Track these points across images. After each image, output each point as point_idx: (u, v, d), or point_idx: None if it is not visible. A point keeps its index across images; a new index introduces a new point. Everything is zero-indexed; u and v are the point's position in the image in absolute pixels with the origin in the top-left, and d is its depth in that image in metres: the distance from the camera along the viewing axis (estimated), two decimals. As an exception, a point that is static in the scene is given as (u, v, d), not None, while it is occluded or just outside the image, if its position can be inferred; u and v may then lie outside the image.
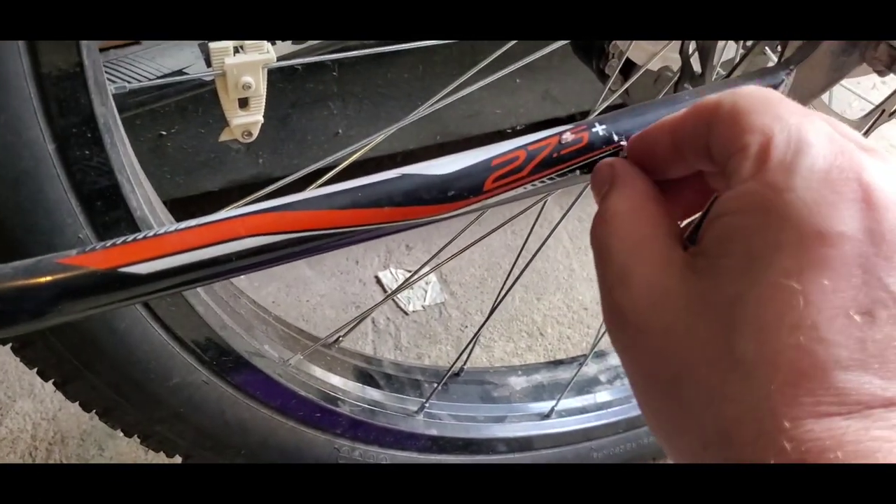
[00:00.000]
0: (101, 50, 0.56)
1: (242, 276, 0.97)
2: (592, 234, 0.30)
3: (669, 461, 0.27)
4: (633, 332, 0.26)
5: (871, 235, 0.23)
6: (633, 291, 0.27)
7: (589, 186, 0.34)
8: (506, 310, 1.11)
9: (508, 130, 1.14)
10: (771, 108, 0.26)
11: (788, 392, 0.22)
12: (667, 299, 0.26)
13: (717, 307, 0.24)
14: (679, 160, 0.29)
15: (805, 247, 0.23)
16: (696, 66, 0.48)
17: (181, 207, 1.01)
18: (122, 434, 0.61)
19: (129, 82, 0.52)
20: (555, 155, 0.37)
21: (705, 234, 0.26)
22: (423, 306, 1.12)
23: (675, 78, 0.50)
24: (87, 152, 0.42)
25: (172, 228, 0.36)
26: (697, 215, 0.32)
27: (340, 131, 1.00)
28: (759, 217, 0.24)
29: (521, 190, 0.38)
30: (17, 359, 0.53)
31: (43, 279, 0.34)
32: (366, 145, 0.59)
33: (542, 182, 0.37)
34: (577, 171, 0.36)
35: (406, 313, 1.11)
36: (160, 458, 0.79)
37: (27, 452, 0.92)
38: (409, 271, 1.14)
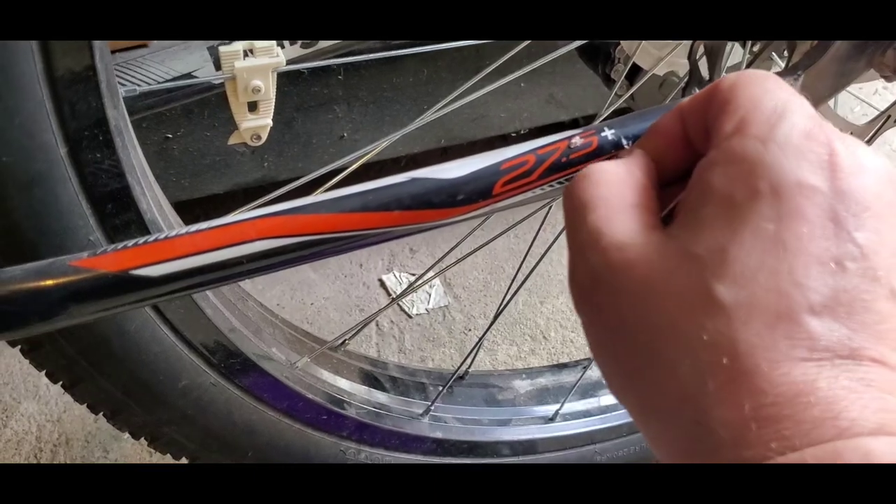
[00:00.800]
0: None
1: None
2: (571, 189, 0.29)
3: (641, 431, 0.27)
4: (609, 294, 0.26)
5: (839, 193, 0.24)
6: (609, 251, 0.26)
7: None
8: (509, 313, 1.11)
9: (513, 134, 1.14)
10: (764, 83, 0.27)
11: (766, 334, 0.23)
12: (643, 256, 0.26)
13: (697, 256, 0.24)
14: (686, 145, 0.30)
15: (784, 195, 0.24)
16: (704, 71, 0.48)
17: (187, 210, 1.02)
18: (127, 436, 0.61)
19: (138, 85, 0.52)
20: (564, 159, 0.38)
21: (687, 192, 0.27)
22: (426, 310, 1.12)
23: (682, 83, 0.51)
24: (98, 155, 0.43)
25: (183, 231, 0.36)
26: (672, 204, 0.32)
27: (345, 135, 1.00)
28: (740, 166, 0.25)
29: (529, 194, 0.38)
30: (22, 361, 0.53)
31: (54, 281, 0.35)
32: (371, 150, 0.59)
33: (551, 186, 0.37)
34: (586, 176, 0.37)
35: (410, 316, 1.11)
36: (165, 461, 0.79)
37: (32, 454, 0.92)
38: (413, 275, 1.14)
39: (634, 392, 0.26)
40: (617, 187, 0.28)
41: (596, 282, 0.27)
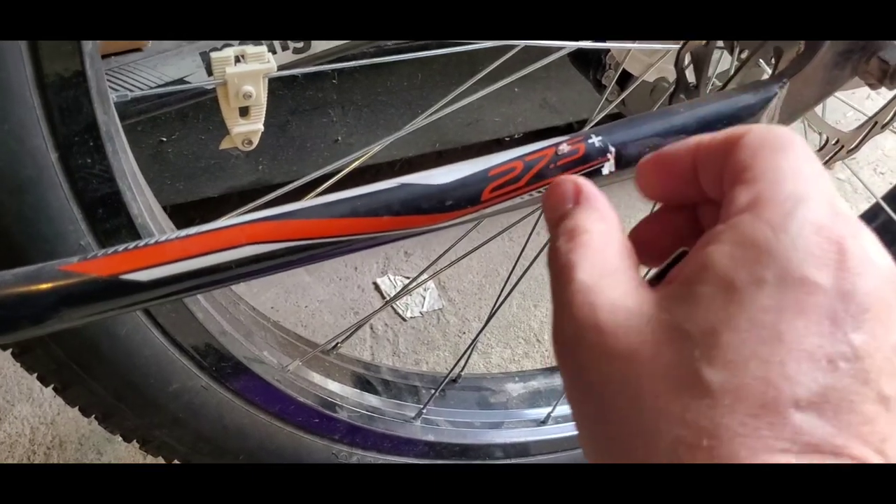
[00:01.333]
0: (102, 57, 0.56)
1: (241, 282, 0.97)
2: (554, 248, 0.29)
3: None
4: (593, 355, 0.26)
5: (841, 294, 0.24)
6: (599, 311, 0.26)
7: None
8: (503, 316, 1.12)
9: (507, 139, 1.14)
10: (793, 155, 0.26)
11: (750, 423, 0.23)
12: (633, 323, 0.25)
13: (688, 334, 0.24)
14: (689, 182, 0.30)
15: (786, 288, 0.24)
16: (692, 78, 0.49)
17: (181, 213, 1.02)
18: (120, 439, 0.61)
19: (130, 91, 0.52)
20: (552, 166, 0.38)
21: (686, 263, 0.26)
22: (421, 313, 1.12)
23: (671, 89, 0.51)
24: (89, 160, 0.43)
25: (173, 236, 0.36)
26: (663, 265, 0.31)
27: (340, 139, 1.00)
28: (748, 251, 0.25)
29: (518, 200, 0.38)
30: (16, 363, 0.53)
31: (45, 286, 0.35)
32: (364, 154, 0.60)
33: (539, 192, 0.38)
34: (573, 182, 0.37)
35: (404, 319, 1.11)
36: (158, 463, 0.79)
37: (25, 457, 0.92)
38: (408, 278, 1.15)
39: (604, 455, 0.26)
40: (603, 249, 0.28)
41: (582, 340, 0.26)
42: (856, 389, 0.23)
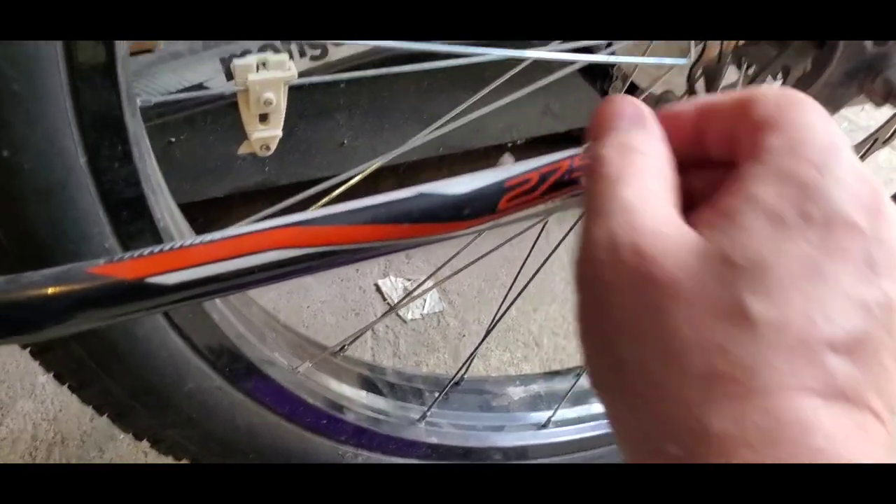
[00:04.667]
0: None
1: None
2: (601, 157, 0.28)
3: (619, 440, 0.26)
4: (628, 278, 0.25)
5: (878, 240, 0.24)
6: (641, 235, 0.25)
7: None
8: (503, 320, 1.12)
9: (509, 145, 1.15)
10: (814, 109, 0.27)
11: (787, 358, 0.23)
12: (673, 251, 0.25)
13: (735, 264, 0.24)
14: (689, 141, 0.29)
15: (832, 229, 0.24)
16: (701, 92, 0.50)
17: (186, 213, 1.02)
18: (122, 436, 0.62)
19: (152, 95, 0.53)
20: (567, 178, 0.39)
21: (727, 197, 0.26)
22: (421, 315, 1.13)
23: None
24: (116, 164, 0.43)
25: (198, 241, 0.37)
26: None
27: (346, 142, 1.01)
28: (796, 188, 0.25)
29: (532, 210, 0.39)
30: (19, 359, 0.53)
31: (71, 287, 0.35)
32: (371, 165, 0.61)
33: (553, 202, 0.39)
34: (588, 193, 0.38)
35: (405, 321, 1.12)
36: (159, 460, 0.79)
37: (27, 453, 0.93)
38: (409, 279, 1.16)
39: (625, 384, 0.25)
40: (653, 175, 0.27)
41: (617, 261, 0.25)
42: (882, 339, 0.24)
